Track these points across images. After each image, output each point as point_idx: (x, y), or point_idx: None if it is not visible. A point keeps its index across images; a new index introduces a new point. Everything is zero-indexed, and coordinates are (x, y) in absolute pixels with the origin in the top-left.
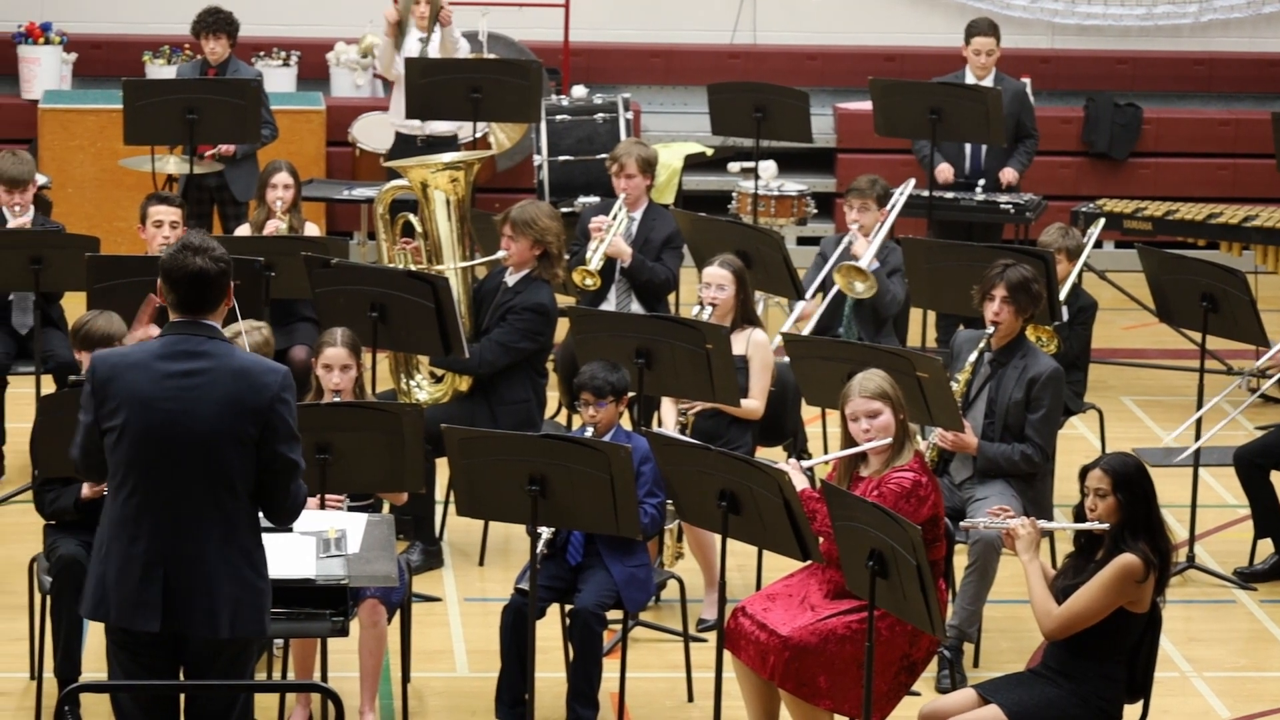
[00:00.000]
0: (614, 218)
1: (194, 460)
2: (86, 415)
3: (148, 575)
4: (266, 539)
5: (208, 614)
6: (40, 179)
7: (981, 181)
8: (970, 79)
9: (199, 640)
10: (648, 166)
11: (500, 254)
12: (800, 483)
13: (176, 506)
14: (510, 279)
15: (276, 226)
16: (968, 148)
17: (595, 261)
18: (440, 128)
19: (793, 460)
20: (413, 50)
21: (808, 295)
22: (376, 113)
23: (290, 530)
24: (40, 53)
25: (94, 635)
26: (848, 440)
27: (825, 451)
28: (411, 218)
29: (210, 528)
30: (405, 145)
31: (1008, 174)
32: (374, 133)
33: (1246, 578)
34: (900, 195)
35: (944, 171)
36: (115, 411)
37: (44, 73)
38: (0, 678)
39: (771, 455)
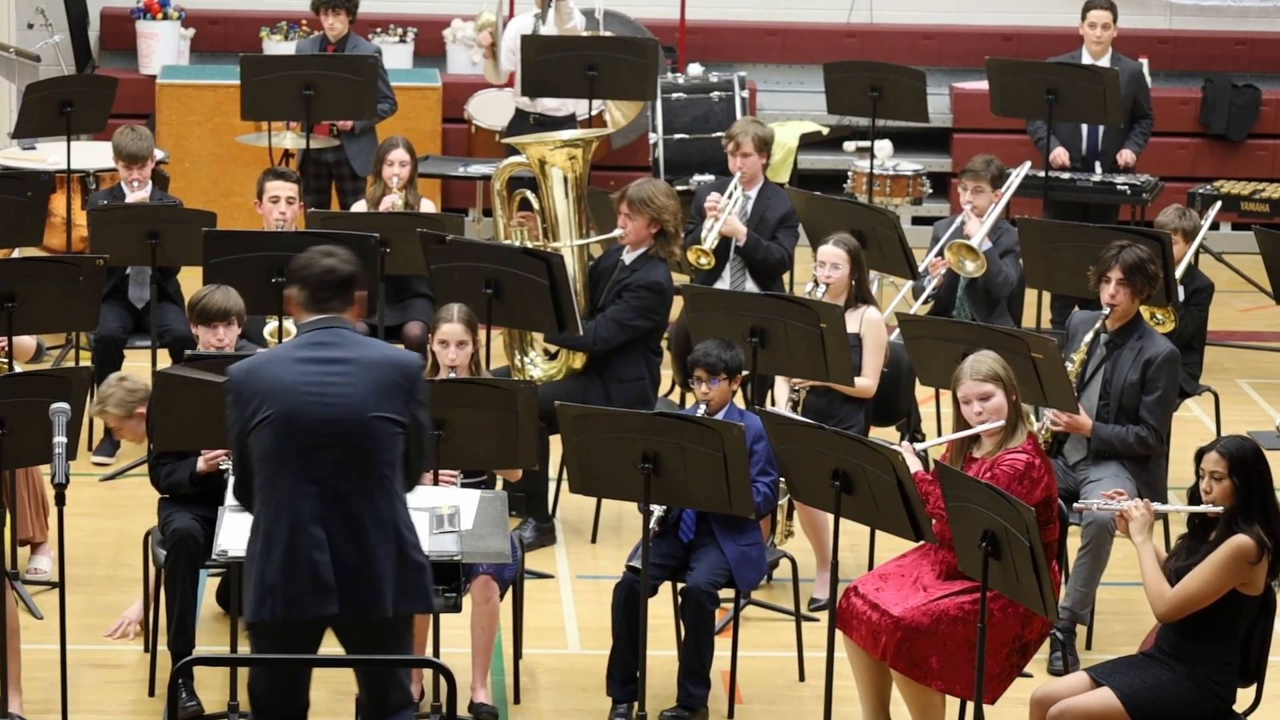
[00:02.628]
0: (729, 196)
1: (345, 444)
2: (232, 429)
3: (315, 561)
4: None
5: (374, 595)
6: (158, 154)
7: (1098, 163)
8: (1087, 58)
9: (363, 620)
10: (764, 145)
11: (617, 232)
12: (914, 465)
13: (332, 491)
14: (627, 257)
15: (393, 202)
16: (1084, 129)
17: (710, 240)
18: (549, 104)
19: (906, 443)
20: (528, 27)
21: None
22: (492, 89)
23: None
24: (159, 28)
25: (207, 608)
26: (960, 423)
27: (939, 432)
28: (529, 194)
29: (367, 509)
30: (521, 122)
31: (1125, 155)
32: (490, 109)
33: None
34: (1016, 176)
35: (1059, 155)
36: (259, 407)
37: (162, 48)
38: (115, 650)
39: (885, 435)
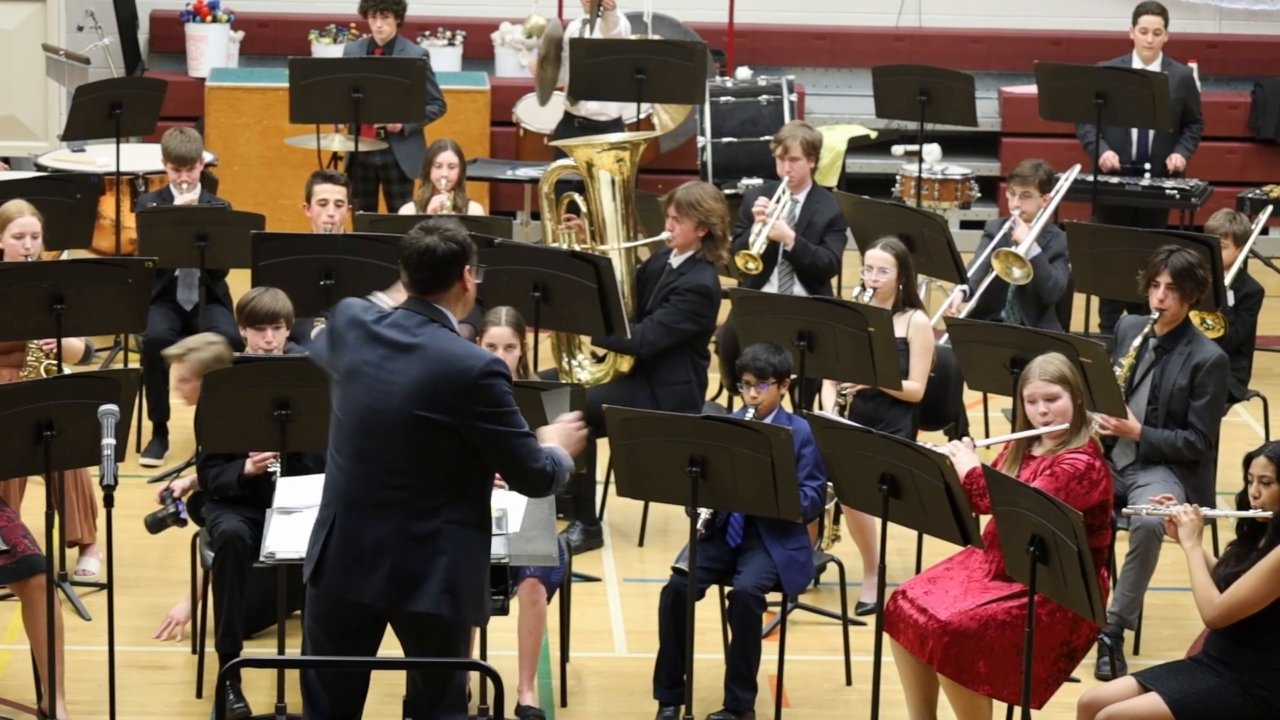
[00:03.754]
0: (777, 201)
1: (387, 434)
2: (325, 349)
3: (345, 544)
4: None
5: (402, 587)
6: (207, 157)
7: (1148, 167)
8: (1137, 62)
9: (414, 616)
10: (812, 149)
11: (665, 235)
12: (969, 461)
13: (376, 478)
14: (674, 260)
15: (441, 204)
16: (1134, 133)
17: (758, 245)
18: (591, 108)
19: (966, 438)
20: (575, 32)
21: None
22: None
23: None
24: (208, 31)
25: (253, 609)
26: (1024, 422)
27: (986, 436)
28: (577, 197)
29: (408, 504)
30: (567, 125)
31: (1175, 160)
32: (538, 112)
33: None
34: (1064, 181)
35: (1109, 159)
36: (337, 369)
37: (211, 51)
38: (162, 652)
39: (932, 439)
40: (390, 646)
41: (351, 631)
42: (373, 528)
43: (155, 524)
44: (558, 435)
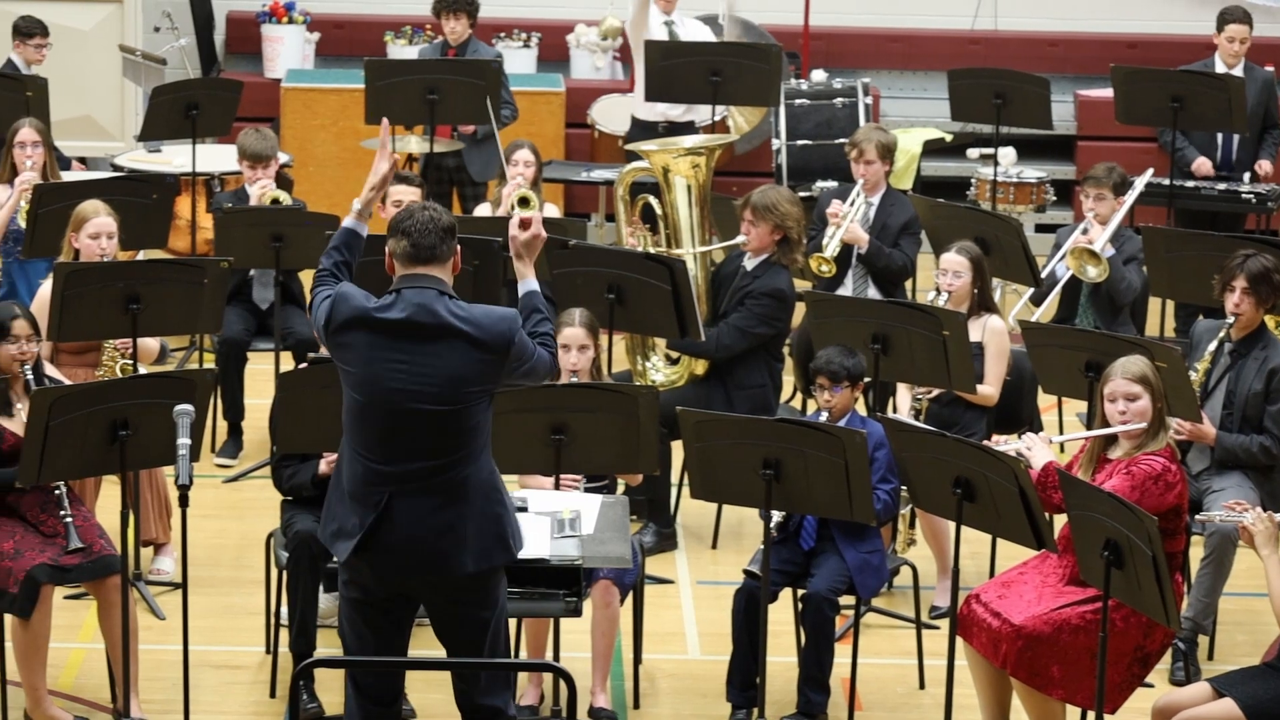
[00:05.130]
0: (851, 204)
1: (430, 423)
2: (321, 336)
3: (365, 518)
4: None
5: (443, 556)
6: (282, 157)
7: (1247, 174)
8: (1220, 68)
9: (435, 582)
10: (887, 152)
11: (740, 239)
12: (1045, 455)
13: (412, 463)
14: (749, 264)
15: (517, 184)
16: (1219, 138)
17: (832, 248)
18: (672, 112)
19: (1041, 434)
20: (660, 34)
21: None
22: (615, 95)
23: (525, 510)
24: (284, 32)
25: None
26: (1102, 421)
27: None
28: (652, 200)
29: (448, 479)
30: (645, 129)
31: (1264, 165)
32: (613, 115)
33: None
34: (1138, 184)
35: (1202, 165)
36: (348, 363)
37: (287, 52)
38: (236, 651)
39: (1011, 437)
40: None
41: (395, 609)
42: (439, 506)
43: None
44: (529, 251)
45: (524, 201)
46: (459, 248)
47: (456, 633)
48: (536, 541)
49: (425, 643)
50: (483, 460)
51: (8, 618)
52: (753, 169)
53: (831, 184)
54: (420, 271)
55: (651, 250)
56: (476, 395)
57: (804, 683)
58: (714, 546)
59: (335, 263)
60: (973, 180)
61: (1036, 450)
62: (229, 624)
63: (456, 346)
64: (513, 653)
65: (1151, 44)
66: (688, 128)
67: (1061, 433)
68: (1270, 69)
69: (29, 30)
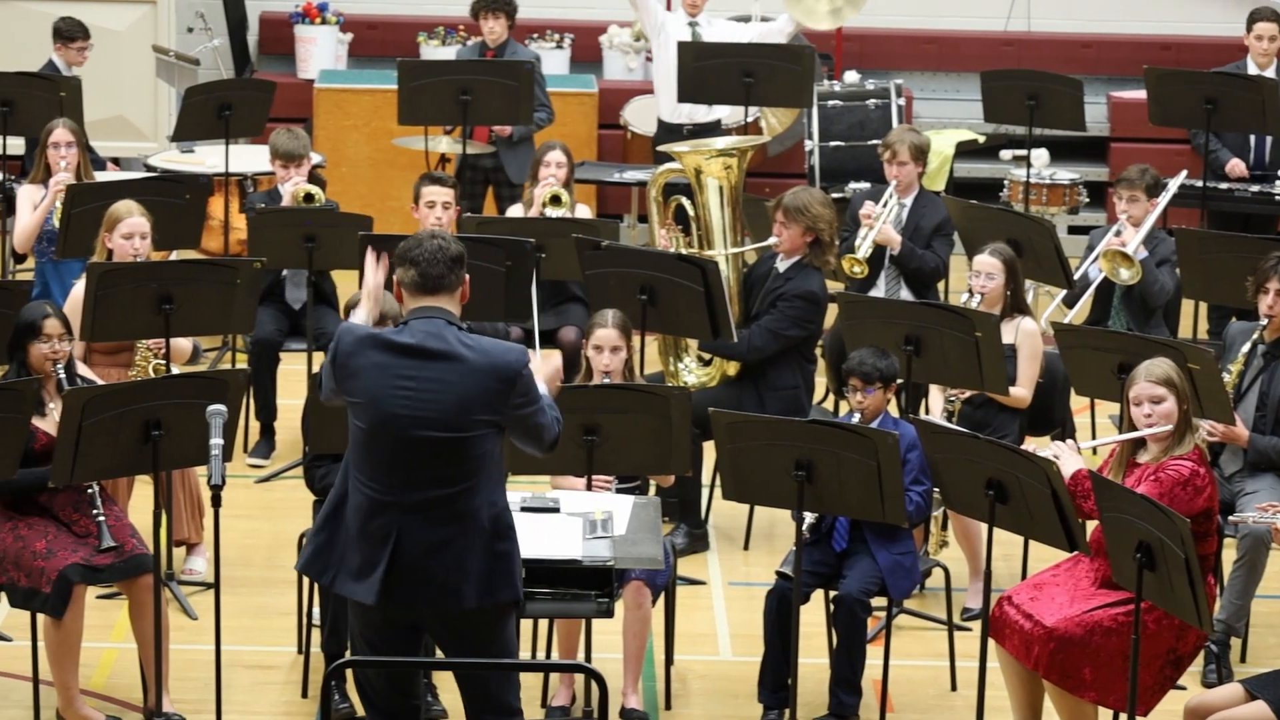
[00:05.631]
0: (884, 205)
1: (435, 451)
2: (329, 381)
3: (379, 550)
4: (532, 520)
5: (448, 589)
6: (315, 158)
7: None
8: (1252, 68)
9: (441, 614)
10: (920, 153)
11: (772, 240)
12: (1075, 464)
13: (417, 492)
14: (781, 265)
15: (544, 197)
16: (1252, 139)
17: (864, 249)
18: (697, 113)
19: (1070, 440)
20: (683, 35)
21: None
22: (648, 96)
23: (557, 511)
24: (317, 33)
25: None
26: (1129, 425)
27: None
28: (685, 201)
29: (453, 509)
30: (669, 131)
31: None
32: (646, 116)
33: None
34: (1172, 186)
35: (1236, 167)
36: (354, 393)
37: (320, 52)
38: (268, 651)
39: (1039, 445)
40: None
41: (403, 638)
42: (451, 539)
43: None
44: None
45: (555, 200)
46: (468, 276)
47: (462, 675)
48: (568, 542)
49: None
50: (492, 495)
51: (40, 617)
52: (785, 170)
53: (864, 185)
54: (428, 303)
55: (684, 252)
56: (482, 424)
57: (835, 684)
58: (746, 548)
59: None
60: (1006, 182)
61: (1065, 459)
62: (261, 624)
63: (462, 371)
64: (544, 654)
65: (1185, 45)
66: (713, 129)
67: (1094, 436)
68: None
69: (70, 33)
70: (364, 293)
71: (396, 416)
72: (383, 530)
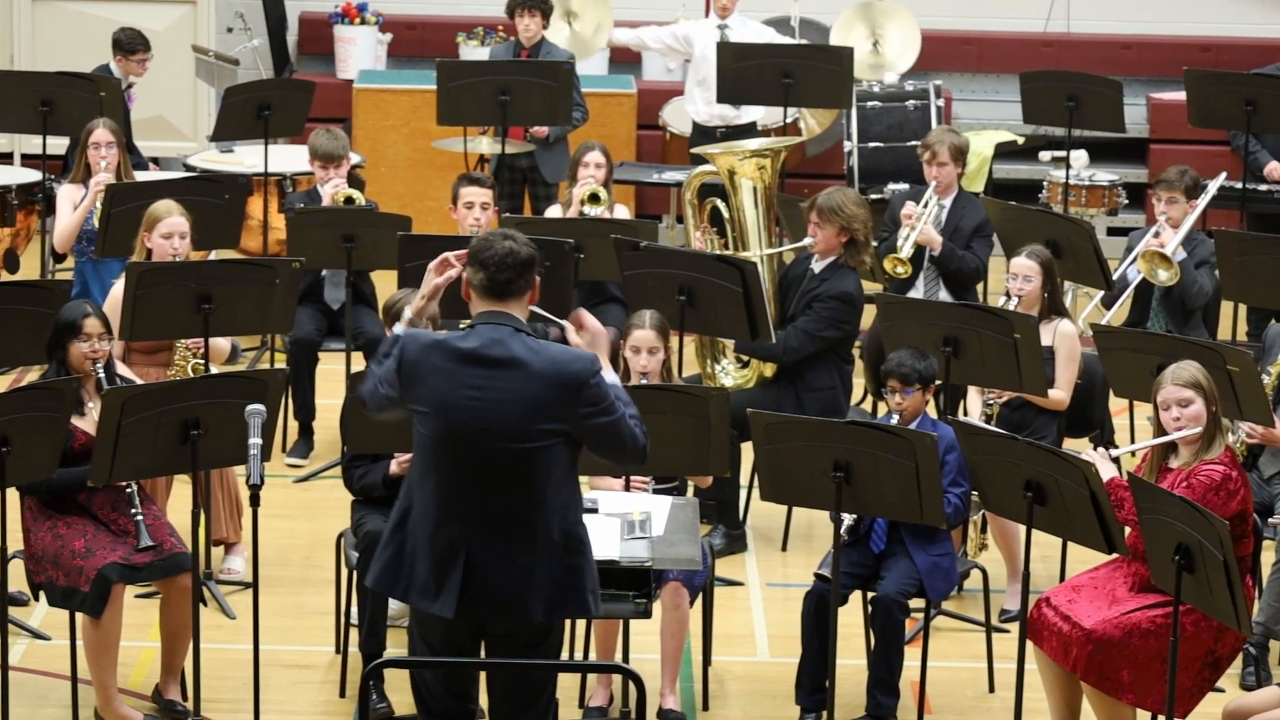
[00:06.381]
0: (924, 205)
1: (502, 459)
2: (388, 389)
3: (451, 562)
4: None
5: (516, 601)
6: (354, 158)
7: None
8: None
9: (507, 625)
10: (959, 154)
11: (806, 241)
12: (1108, 472)
13: (484, 500)
14: (816, 266)
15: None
16: None
17: (906, 249)
18: (729, 114)
19: (1101, 449)
20: (711, 37)
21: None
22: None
23: (595, 511)
24: (356, 33)
25: (398, 610)
26: (1159, 430)
27: (1132, 443)
28: (719, 203)
29: (520, 519)
30: (703, 133)
31: None
32: (684, 116)
33: None
34: (1211, 187)
35: (1275, 169)
36: (420, 400)
37: (359, 53)
38: (306, 651)
39: (1078, 447)
40: None
41: (465, 645)
42: (518, 549)
43: None
44: (598, 352)
45: (594, 198)
46: (537, 280)
47: (510, 681)
48: (606, 543)
49: None
50: (563, 508)
51: (79, 616)
52: (824, 171)
53: (903, 186)
54: (496, 308)
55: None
56: (548, 434)
57: (873, 686)
58: (783, 549)
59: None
60: (1045, 183)
61: (1099, 467)
62: (299, 624)
63: (527, 379)
64: (582, 655)
65: (1224, 47)
66: (747, 130)
67: (1133, 437)
68: None
69: (131, 45)
70: (422, 292)
71: (463, 425)
72: (451, 541)
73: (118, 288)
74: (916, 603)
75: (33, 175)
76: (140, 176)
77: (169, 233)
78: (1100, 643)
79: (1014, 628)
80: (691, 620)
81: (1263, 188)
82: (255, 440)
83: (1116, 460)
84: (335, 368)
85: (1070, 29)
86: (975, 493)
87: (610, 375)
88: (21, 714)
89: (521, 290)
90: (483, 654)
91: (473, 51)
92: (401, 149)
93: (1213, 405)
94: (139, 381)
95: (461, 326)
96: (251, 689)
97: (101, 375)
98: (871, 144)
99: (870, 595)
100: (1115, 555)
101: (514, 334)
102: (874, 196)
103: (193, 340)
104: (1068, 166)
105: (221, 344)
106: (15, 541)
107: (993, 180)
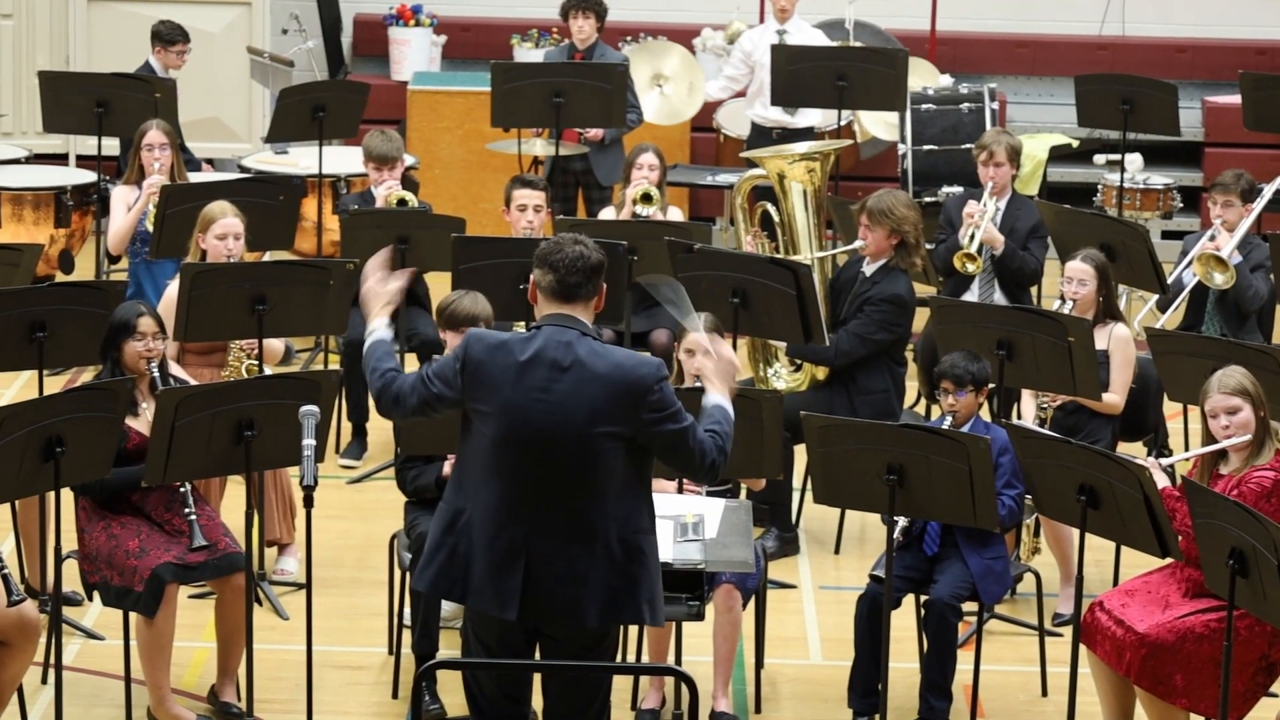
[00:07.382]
0: (984, 205)
1: (563, 462)
2: (449, 391)
3: (511, 565)
4: None
5: (572, 605)
6: (408, 160)
7: None
8: None
9: (563, 628)
10: (1015, 155)
11: (857, 244)
12: (1160, 481)
13: (544, 503)
14: (867, 269)
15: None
16: None
17: (975, 246)
18: (786, 117)
19: (1151, 458)
20: (770, 41)
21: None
22: (740, 99)
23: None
24: (410, 35)
25: (450, 611)
26: (1208, 438)
27: (1185, 448)
28: (769, 207)
29: (579, 523)
30: (761, 135)
31: None
32: (738, 119)
33: None
34: (1267, 191)
35: None
36: (483, 401)
37: (414, 55)
38: (359, 652)
39: (1132, 451)
40: None
41: (521, 647)
42: (576, 553)
43: None
44: (719, 377)
45: (647, 197)
46: (604, 286)
47: (564, 684)
48: (659, 545)
49: None
50: (625, 514)
51: (133, 616)
52: (878, 174)
53: (957, 190)
54: (563, 310)
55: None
56: (610, 438)
57: (926, 689)
58: (836, 552)
59: (391, 366)
60: (1099, 186)
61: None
62: (352, 625)
63: (591, 382)
64: (634, 657)
65: None
66: (805, 134)
67: (1187, 442)
68: None
69: (170, 37)
70: (376, 300)
71: (528, 427)
72: (512, 544)
73: (172, 289)
74: (970, 606)
75: (88, 176)
76: (194, 177)
77: (224, 234)
78: (1154, 647)
79: (1067, 632)
80: (744, 623)
81: None
82: (309, 441)
83: (1170, 469)
84: None
85: (1125, 32)
86: (1029, 496)
87: (719, 397)
88: (75, 714)
89: (590, 294)
90: (537, 656)
91: (527, 53)
92: (455, 151)
93: (1261, 410)
94: (193, 382)
95: (528, 328)
96: (304, 690)
97: (156, 375)
98: (926, 147)
99: (923, 599)
100: (1169, 560)
101: (580, 337)
102: (928, 199)
103: (247, 341)
104: (1122, 170)
105: (275, 345)
106: (69, 542)
107: (1047, 184)
